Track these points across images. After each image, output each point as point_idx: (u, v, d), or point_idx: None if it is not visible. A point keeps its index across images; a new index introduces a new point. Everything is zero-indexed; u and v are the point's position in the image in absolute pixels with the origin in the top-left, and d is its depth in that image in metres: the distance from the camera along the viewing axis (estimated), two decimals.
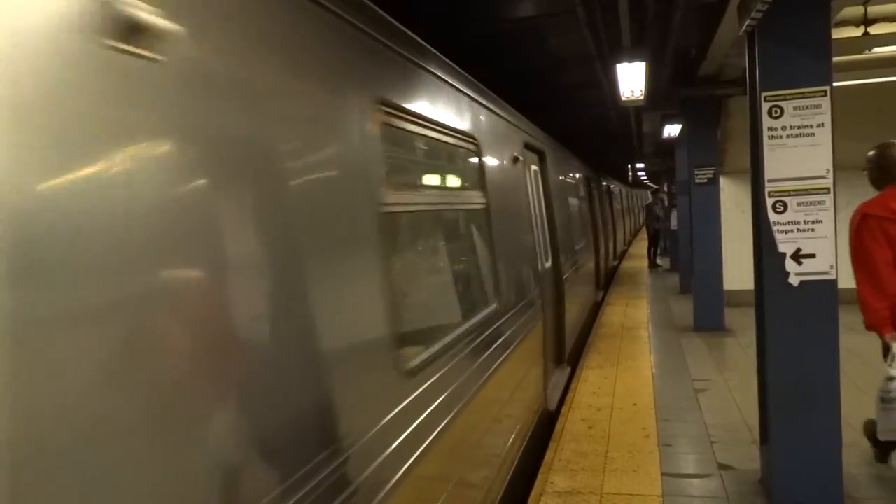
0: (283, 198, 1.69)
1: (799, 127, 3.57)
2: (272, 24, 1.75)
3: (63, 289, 1.05)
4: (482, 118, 4.07)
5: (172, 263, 1.27)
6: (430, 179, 3.43)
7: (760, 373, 3.91)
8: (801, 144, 3.57)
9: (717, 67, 7.56)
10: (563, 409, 5.64)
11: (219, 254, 1.42)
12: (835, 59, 3.63)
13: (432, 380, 2.57)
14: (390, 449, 2.11)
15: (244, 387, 1.45)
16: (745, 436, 4.79)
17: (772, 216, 3.62)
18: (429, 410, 2.50)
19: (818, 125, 3.55)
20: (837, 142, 3.56)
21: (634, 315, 10.06)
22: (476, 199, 3.80)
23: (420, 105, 2.86)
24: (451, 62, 3.56)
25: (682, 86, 8.39)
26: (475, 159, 3.86)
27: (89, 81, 1.12)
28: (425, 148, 3.21)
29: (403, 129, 2.68)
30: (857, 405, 4.32)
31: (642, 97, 7.33)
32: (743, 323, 7.96)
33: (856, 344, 3.89)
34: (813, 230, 3.57)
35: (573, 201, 8.88)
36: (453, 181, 3.87)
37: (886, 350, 3.58)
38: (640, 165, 24.21)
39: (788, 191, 3.60)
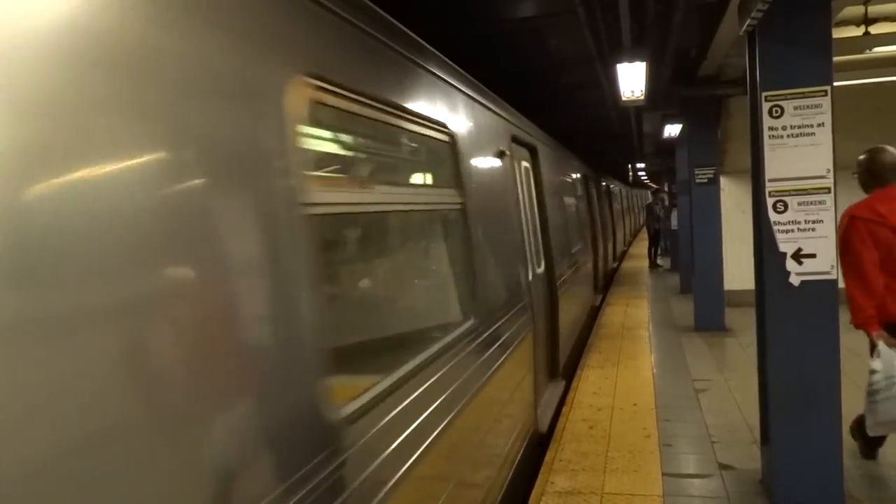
0: (148, 198, 1.26)
1: (799, 127, 3.57)
2: None
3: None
4: (459, 106, 3.57)
5: None
6: (385, 175, 2.85)
7: (761, 372, 3.91)
8: (801, 144, 3.57)
9: (717, 67, 7.56)
10: (564, 409, 5.64)
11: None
12: (835, 58, 3.63)
13: (381, 424, 2.06)
14: None
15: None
16: (746, 436, 4.79)
17: (772, 216, 3.62)
18: (374, 466, 1.98)
19: (818, 125, 3.55)
20: (838, 141, 3.56)
21: (635, 315, 10.06)
22: (449, 198, 3.29)
23: (373, 83, 2.35)
24: (419, 39, 3.06)
25: (682, 86, 8.39)
26: (449, 152, 3.32)
27: None
28: (380, 136, 2.67)
29: (347, 112, 2.16)
30: (857, 405, 4.29)
31: (643, 97, 7.33)
32: (743, 323, 7.95)
33: (856, 343, 3.88)
34: (813, 230, 3.57)
35: (569, 201, 8.39)
36: (418, 177, 3.36)
37: (873, 347, 3.63)
38: (640, 165, 24.22)
39: (789, 190, 3.60)
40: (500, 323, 3.76)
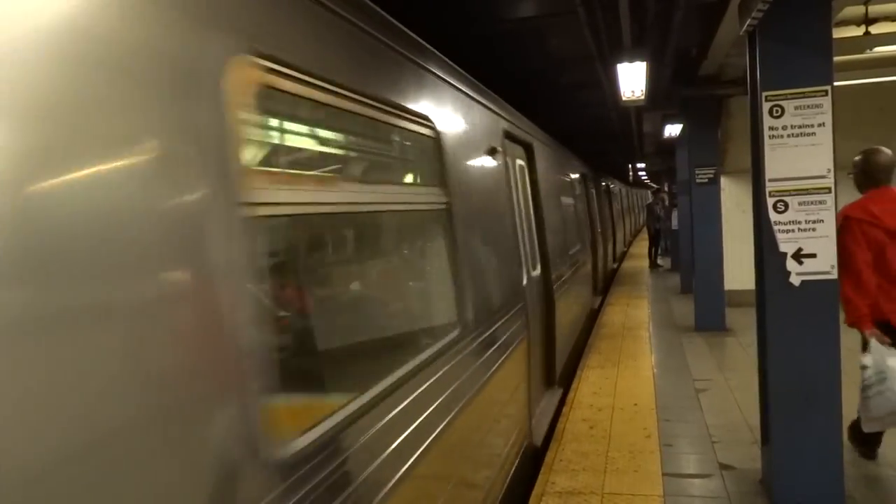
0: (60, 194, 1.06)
1: (800, 126, 3.57)
2: None
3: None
4: (445, 99, 3.29)
5: None
6: (353, 172, 2.52)
7: (761, 372, 3.91)
8: (801, 144, 3.57)
9: (717, 67, 7.56)
10: (564, 409, 5.64)
11: None
12: (836, 58, 3.64)
13: (342, 458, 1.76)
14: None
15: None
16: (746, 436, 4.79)
17: (773, 216, 3.62)
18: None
19: (819, 125, 3.55)
20: (838, 141, 3.57)
21: (635, 315, 10.05)
22: (432, 197, 2.98)
23: (340, 68, 2.09)
24: (396, 22, 2.77)
25: (682, 86, 8.39)
26: (432, 148, 3.01)
27: None
28: (347, 128, 2.38)
29: (305, 99, 1.90)
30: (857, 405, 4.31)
31: (643, 97, 7.33)
32: (744, 323, 7.95)
33: (856, 343, 3.88)
34: (814, 230, 3.57)
35: (567, 201, 8.11)
36: (394, 174, 2.98)
37: (865, 344, 3.71)
38: (640, 165, 24.22)
39: (789, 190, 3.60)
40: (489, 331, 3.48)
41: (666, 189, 19.87)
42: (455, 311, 3.06)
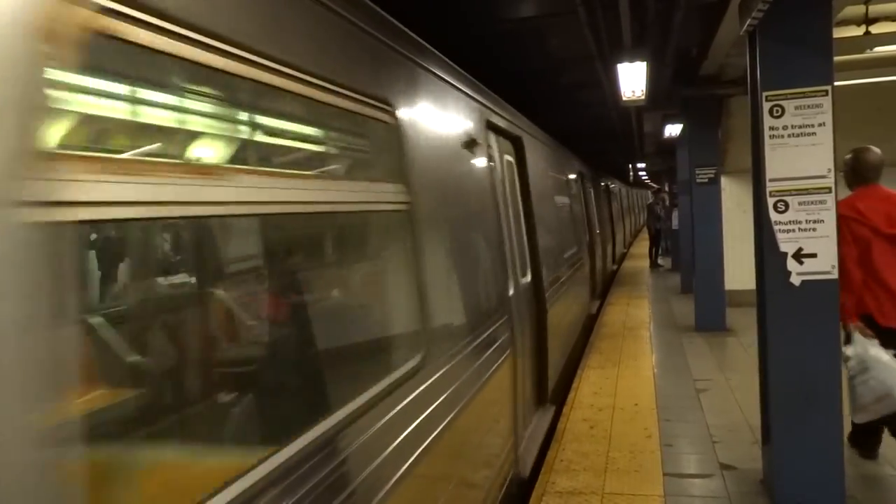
0: None
1: (800, 126, 3.57)
2: None
3: None
4: (408, 78, 2.77)
5: None
6: (253, 158, 1.93)
7: (762, 372, 3.91)
8: (802, 144, 3.57)
9: (718, 67, 7.56)
10: (565, 410, 5.64)
11: None
12: (836, 58, 3.64)
13: None
14: None
15: None
16: (747, 436, 4.78)
17: (773, 216, 3.62)
18: None
19: (819, 124, 3.55)
20: (839, 141, 3.57)
21: (636, 315, 10.05)
22: (384, 196, 2.43)
23: (237, 24, 1.59)
24: None
25: (683, 85, 8.40)
26: (386, 136, 2.49)
27: None
28: (244, 102, 1.83)
29: (168, 56, 1.37)
30: None
31: (643, 97, 7.33)
32: (744, 323, 7.95)
33: None
34: (814, 230, 3.57)
35: (562, 201, 7.67)
36: (324, 165, 2.43)
37: (848, 336, 3.76)
38: (641, 165, 24.23)
39: (790, 190, 3.60)
40: (463, 353, 2.97)
41: (666, 189, 19.88)
42: (414, 334, 2.55)
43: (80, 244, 1.14)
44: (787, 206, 3.60)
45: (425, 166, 2.82)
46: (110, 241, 1.57)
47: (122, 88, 1.43)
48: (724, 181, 9.22)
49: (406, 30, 2.88)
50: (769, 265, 3.67)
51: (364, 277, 2.70)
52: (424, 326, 2.58)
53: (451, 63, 3.58)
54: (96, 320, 1.55)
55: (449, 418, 2.69)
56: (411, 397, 2.34)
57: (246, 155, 1.90)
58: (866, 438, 4.23)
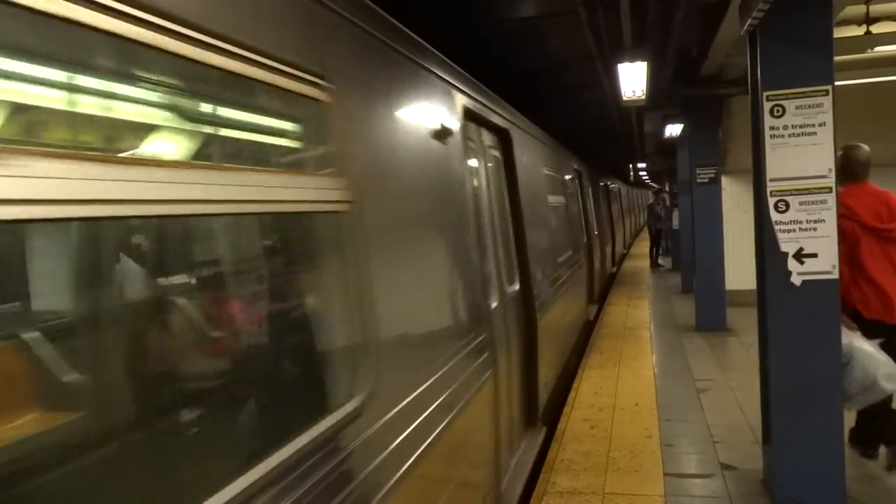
0: None
1: (801, 126, 3.57)
2: None
3: None
4: (351, 45, 2.25)
5: None
6: (116, 134, 1.57)
7: (762, 372, 3.91)
8: (802, 144, 3.57)
9: (718, 67, 7.56)
10: (565, 410, 5.64)
11: None
12: (836, 58, 3.64)
13: None
14: None
15: None
16: (748, 436, 4.78)
17: (774, 215, 3.61)
18: None
19: (820, 124, 3.55)
20: (839, 141, 3.57)
21: (636, 315, 10.05)
22: (313, 192, 1.91)
23: None
24: None
25: (683, 85, 8.40)
26: (316, 116, 1.99)
27: None
28: (95, 64, 1.39)
29: None
30: None
31: (644, 97, 7.33)
32: (745, 323, 7.95)
33: None
34: (815, 229, 3.57)
35: (557, 201, 7.22)
36: (215, 149, 1.93)
37: None
38: (641, 165, 24.22)
39: (790, 190, 3.60)
40: (424, 385, 2.45)
41: (667, 189, 19.87)
42: (356, 370, 2.03)
43: None
44: (787, 205, 3.60)
45: (377, 158, 2.32)
46: None
47: None
48: (724, 181, 9.22)
49: None
50: (770, 265, 3.67)
51: (281, 299, 2.15)
52: (370, 358, 2.04)
53: (417, 38, 3.01)
54: None
55: (408, 464, 2.21)
56: (350, 448, 1.84)
57: (102, 137, 1.49)
58: (867, 438, 4.23)
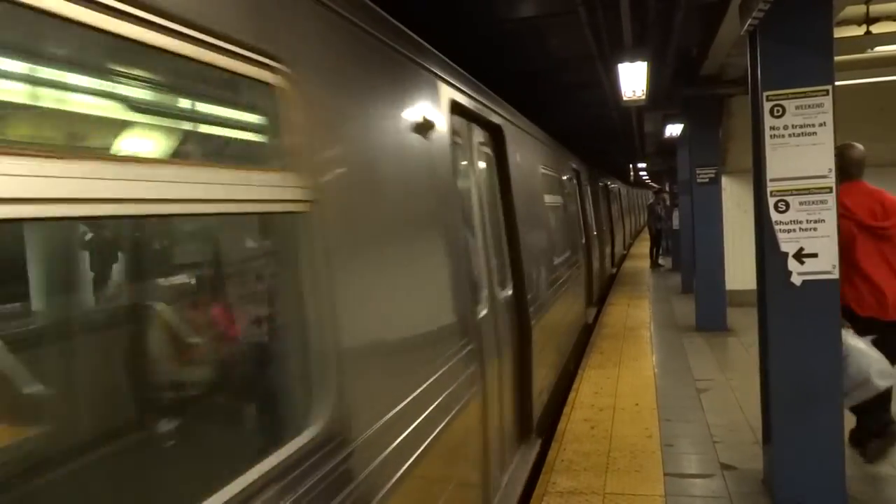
0: None
1: (801, 126, 3.57)
2: None
3: None
4: (313, 25, 2.00)
5: None
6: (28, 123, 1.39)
7: (763, 372, 3.91)
8: (803, 144, 3.57)
9: (718, 67, 7.56)
10: (566, 410, 5.64)
11: None
12: (836, 58, 3.64)
13: None
14: None
15: None
16: (748, 436, 4.78)
17: (774, 215, 3.61)
18: None
19: (820, 124, 3.55)
20: (839, 141, 3.57)
21: (636, 315, 10.05)
22: (263, 190, 1.63)
23: None
24: None
25: (683, 85, 8.40)
26: (268, 103, 1.73)
27: None
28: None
29: None
30: None
31: (644, 97, 7.33)
32: (745, 322, 7.94)
33: None
34: (815, 229, 3.57)
35: (554, 201, 6.96)
36: (157, 144, 1.71)
37: None
38: (641, 165, 24.22)
39: (790, 190, 3.60)
40: (395, 409, 2.14)
41: (667, 189, 19.87)
42: (308, 396, 1.75)
43: None
44: (787, 205, 3.60)
45: (345, 153, 2.05)
46: None
47: None
48: (724, 181, 9.23)
49: None
50: (770, 265, 3.67)
51: (221, 315, 1.92)
52: (331, 381, 1.76)
53: (395, 22, 2.72)
54: None
55: (380, 496, 1.97)
56: (304, 487, 1.58)
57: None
58: (867, 438, 4.23)
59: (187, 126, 1.78)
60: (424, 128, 2.82)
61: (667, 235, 17.83)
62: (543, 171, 6.51)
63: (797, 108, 3.57)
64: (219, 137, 1.86)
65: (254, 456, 1.48)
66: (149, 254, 1.71)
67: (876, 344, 3.72)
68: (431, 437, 2.46)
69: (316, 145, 1.87)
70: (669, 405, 5.60)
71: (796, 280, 3.60)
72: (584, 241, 9.52)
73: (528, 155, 5.67)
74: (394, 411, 2.13)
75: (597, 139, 17.01)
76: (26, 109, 1.34)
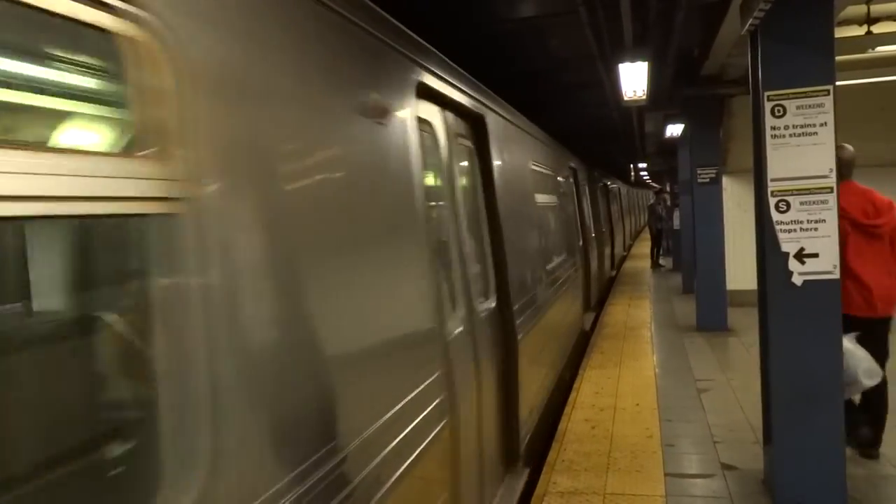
0: None
1: (802, 126, 3.57)
2: None
3: None
4: None
5: None
6: None
7: (763, 372, 3.91)
8: (803, 143, 3.57)
9: (719, 67, 7.56)
10: (566, 410, 5.64)
11: None
12: (837, 58, 3.64)
13: None
14: None
15: None
16: (749, 436, 4.78)
17: (775, 215, 3.61)
18: None
19: (821, 124, 3.55)
20: (840, 141, 3.57)
21: (637, 315, 10.05)
22: (106, 184, 1.16)
23: None
24: None
25: (684, 85, 8.41)
26: (117, 64, 1.24)
27: None
28: None
29: None
30: None
31: (644, 97, 7.33)
32: (746, 323, 7.95)
33: None
34: (816, 229, 3.57)
35: (548, 201, 6.51)
36: None
37: None
38: (642, 165, 24.22)
39: (791, 190, 3.60)
40: (322, 469, 1.67)
41: (668, 189, 19.87)
42: (168, 459, 1.28)
43: None
44: (788, 205, 3.60)
45: (246, 137, 1.55)
46: None
47: None
48: (725, 181, 9.23)
49: None
50: (771, 265, 3.67)
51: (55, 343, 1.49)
52: (204, 439, 1.29)
53: None
54: None
55: None
56: None
57: None
58: (867, 438, 4.24)
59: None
60: (377, 111, 2.33)
61: (667, 235, 17.84)
62: (535, 168, 6.01)
63: (798, 108, 3.57)
64: (33, 109, 1.35)
65: None
66: None
67: (860, 340, 3.75)
68: (379, 494, 2.00)
69: (195, 124, 1.35)
70: (670, 405, 5.60)
71: (797, 280, 3.60)
72: (581, 243, 9.18)
73: (517, 150, 5.18)
74: (302, 467, 1.59)
75: (597, 139, 17.01)
76: None
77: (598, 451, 4.65)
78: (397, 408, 2.20)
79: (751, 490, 3.96)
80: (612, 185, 17.79)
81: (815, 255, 3.58)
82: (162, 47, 1.29)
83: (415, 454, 2.31)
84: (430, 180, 3.01)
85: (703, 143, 8.92)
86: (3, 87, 1.25)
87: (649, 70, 6.57)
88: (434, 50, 3.21)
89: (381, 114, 2.39)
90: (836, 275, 3.58)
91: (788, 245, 3.61)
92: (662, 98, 9.00)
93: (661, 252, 17.84)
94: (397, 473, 2.14)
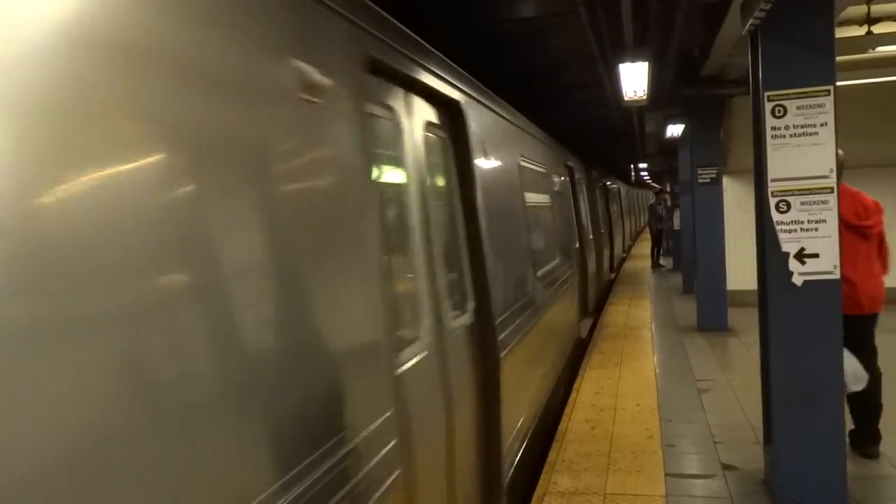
0: None
1: (802, 126, 3.57)
2: None
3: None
4: None
5: None
6: None
7: (764, 373, 3.91)
8: (804, 144, 3.57)
9: (719, 67, 7.56)
10: (566, 410, 5.64)
11: None
12: (838, 58, 3.63)
13: None
14: None
15: None
16: (749, 436, 4.78)
17: (775, 216, 3.62)
18: None
19: (821, 124, 3.55)
20: (841, 141, 3.57)
21: (637, 315, 10.05)
22: None
23: None
24: None
25: (684, 86, 8.41)
26: None
27: None
28: None
29: None
30: None
31: (645, 97, 7.34)
32: (746, 323, 7.94)
33: None
34: (816, 230, 3.58)
35: (540, 200, 6.01)
36: None
37: None
38: (642, 165, 24.22)
39: (792, 190, 3.60)
40: None
41: (668, 189, 19.88)
42: None
43: None
44: (788, 206, 3.60)
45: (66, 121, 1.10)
46: None
47: None
48: (725, 181, 9.23)
49: None
50: (771, 265, 3.67)
51: None
52: None
53: None
54: None
55: None
56: None
57: None
58: (867, 439, 4.24)
59: None
60: (308, 87, 1.89)
61: (668, 236, 17.84)
62: (525, 164, 5.48)
63: (798, 108, 3.57)
64: None
65: None
66: None
67: (848, 340, 3.70)
68: None
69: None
70: (670, 405, 5.60)
71: (797, 280, 3.60)
72: (577, 245, 8.87)
73: (502, 143, 4.62)
74: None
75: (598, 139, 17.02)
76: None
77: (598, 452, 4.65)
78: (344, 453, 1.80)
79: (751, 490, 3.96)
80: (612, 184, 17.55)
81: (816, 256, 3.58)
82: None
83: (381, 491, 1.93)
84: (383, 175, 2.57)
85: (704, 143, 8.92)
86: None
87: (650, 70, 6.57)
88: (393, 20, 2.68)
89: (316, 92, 1.94)
90: (837, 275, 3.58)
91: (789, 245, 3.61)
92: (663, 98, 9.00)
93: (661, 252, 17.84)
94: None
